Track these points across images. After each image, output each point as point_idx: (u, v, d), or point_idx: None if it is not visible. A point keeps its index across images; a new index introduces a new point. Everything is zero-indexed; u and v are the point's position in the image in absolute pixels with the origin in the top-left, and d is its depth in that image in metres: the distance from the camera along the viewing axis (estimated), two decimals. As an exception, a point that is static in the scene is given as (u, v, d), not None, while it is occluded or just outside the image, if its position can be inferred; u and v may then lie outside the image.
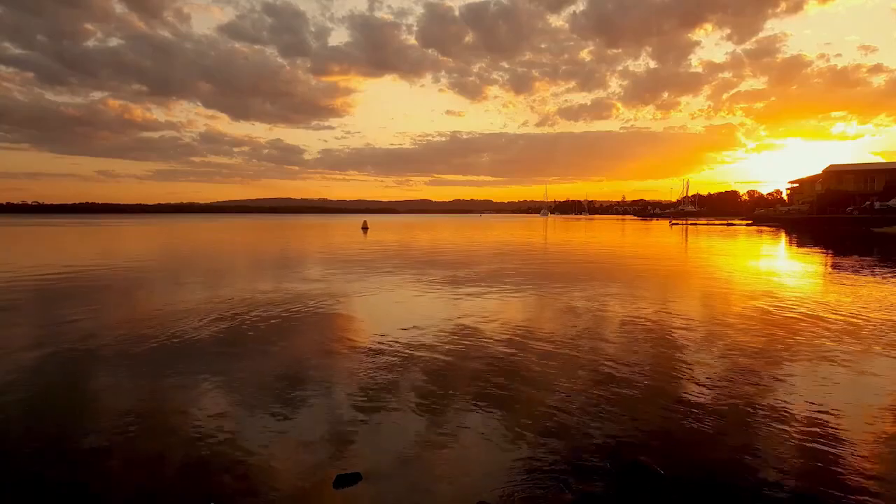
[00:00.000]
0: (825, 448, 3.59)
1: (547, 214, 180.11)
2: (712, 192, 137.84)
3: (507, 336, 6.73)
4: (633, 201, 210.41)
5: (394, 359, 5.71)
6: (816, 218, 47.11)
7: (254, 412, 4.27)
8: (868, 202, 45.51)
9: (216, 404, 4.44)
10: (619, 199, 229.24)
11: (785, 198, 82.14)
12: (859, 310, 8.29)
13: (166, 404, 4.47)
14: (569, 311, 8.45)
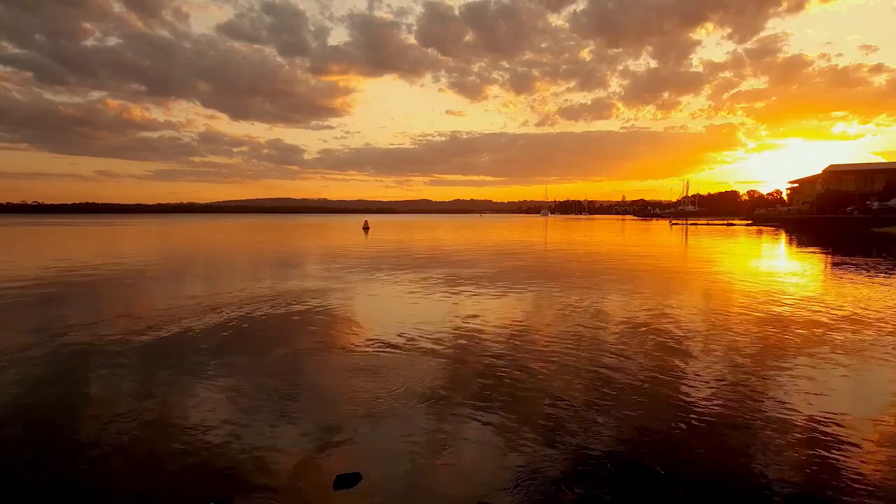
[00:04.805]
0: (826, 448, 3.59)
1: (547, 214, 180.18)
2: (712, 192, 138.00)
3: (508, 335, 6.72)
4: (633, 201, 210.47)
5: (394, 358, 5.70)
6: (816, 218, 47.09)
7: (254, 412, 4.26)
8: (868, 202, 45.50)
9: (216, 404, 4.44)
10: (619, 199, 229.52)
11: (785, 198, 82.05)
12: (860, 310, 8.29)
13: (166, 404, 4.46)
14: (569, 310, 8.45)
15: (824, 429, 3.89)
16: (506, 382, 4.94)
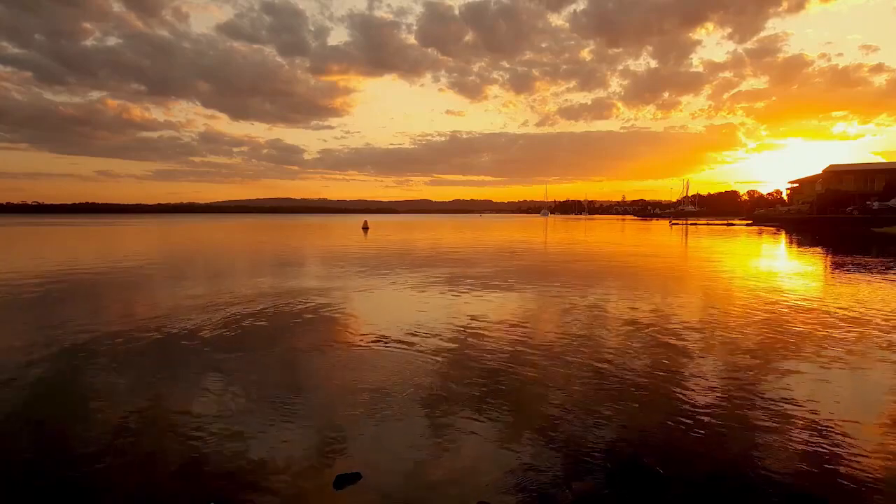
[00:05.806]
0: (826, 448, 3.59)
1: (547, 214, 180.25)
2: (712, 192, 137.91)
3: (509, 336, 6.72)
4: (633, 201, 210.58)
5: (395, 358, 5.70)
6: (816, 218, 47.08)
7: (254, 411, 4.26)
8: (868, 202, 45.50)
9: (216, 404, 4.44)
10: (620, 199, 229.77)
11: (785, 198, 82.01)
12: (860, 310, 8.29)
13: (166, 404, 4.46)
14: (570, 311, 8.45)
15: (825, 429, 3.89)
16: (506, 382, 4.94)
